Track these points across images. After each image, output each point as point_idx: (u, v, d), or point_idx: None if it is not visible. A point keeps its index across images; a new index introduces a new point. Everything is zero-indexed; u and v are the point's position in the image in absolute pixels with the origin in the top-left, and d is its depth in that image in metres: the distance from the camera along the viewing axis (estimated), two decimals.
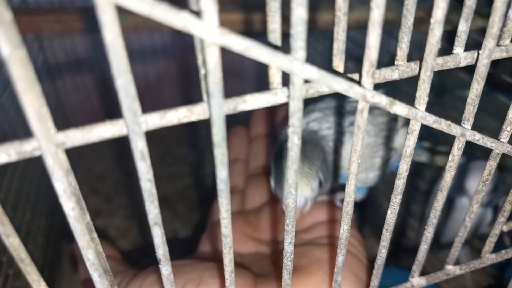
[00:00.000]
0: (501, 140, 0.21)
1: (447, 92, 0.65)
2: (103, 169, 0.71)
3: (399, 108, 0.17)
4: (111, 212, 0.63)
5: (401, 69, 0.18)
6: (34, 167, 0.52)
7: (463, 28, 0.18)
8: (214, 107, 0.14)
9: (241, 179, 0.42)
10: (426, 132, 0.46)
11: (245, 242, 0.34)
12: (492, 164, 0.22)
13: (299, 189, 0.31)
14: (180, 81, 0.84)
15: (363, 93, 0.16)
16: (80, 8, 0.56)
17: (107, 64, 0.13)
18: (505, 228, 0.30)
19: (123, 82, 0.13)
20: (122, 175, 0.70)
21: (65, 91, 0.78)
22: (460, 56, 0.19)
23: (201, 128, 0.78)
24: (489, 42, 0.17)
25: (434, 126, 0.18)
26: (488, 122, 0.54)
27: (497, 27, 0.17)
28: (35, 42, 0.69)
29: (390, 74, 0.18)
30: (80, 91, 0.79)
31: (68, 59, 0.76)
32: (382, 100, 0.16)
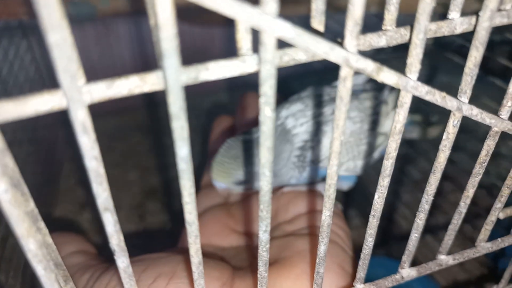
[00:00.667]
0: (500, 116, 0.19)
1: (437, 77, 0.63)
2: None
3: (387, 76, 0.15)
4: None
5: (389, 35, 0.16)
6: None
7: None
8: (169, 70, 0.12)
9: None
10: (416, 107, 0.44)
11: (227, 235, 0.33)
12: (490, 144, 0.20)
13: (219, 177, 0.35)
14: None
15: (346, 56, 0.14)
16: None
17: None
18: (502, 216, 0.28)
19: (57, 38, 0.11)
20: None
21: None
22: (456, 22, 0.16)
23: (191, 118, 0.76)
24: (490, 2, 0.15)
25: (427, 98, 0.16)
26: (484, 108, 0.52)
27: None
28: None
29: (377, 40, 0.15)
30: None
31: None
32: (368, 65, 0.14)
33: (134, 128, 0.77)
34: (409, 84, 0.15)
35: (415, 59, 0.15)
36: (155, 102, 0.81)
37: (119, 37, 0.78)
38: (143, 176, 0.68)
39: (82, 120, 0.12)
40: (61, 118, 0.59)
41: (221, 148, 0.35)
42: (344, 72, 0.14)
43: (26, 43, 0.69)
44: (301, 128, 0.36)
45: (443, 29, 0.16)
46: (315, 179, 0.38)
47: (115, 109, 0.80)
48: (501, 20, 0.17)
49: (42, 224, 0.16)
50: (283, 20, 0.12)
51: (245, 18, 0.12)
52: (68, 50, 0.11)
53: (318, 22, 0.15)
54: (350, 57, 0.14)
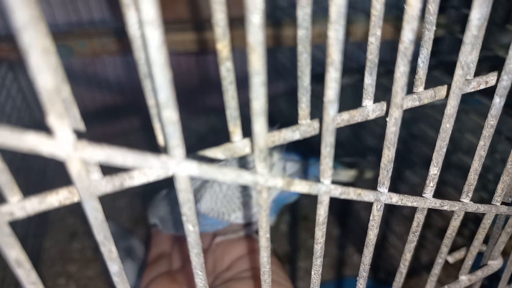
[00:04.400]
0: (424, 195, 0.21)
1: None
2: None
3: (299, 187, 0.16)
4: None
5: (302, 129, 0.17)
6: None
7: (369, 81, 0.18)
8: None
9: (168, 244, 0.45)
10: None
11: None
12: (419, 217, 0.21)
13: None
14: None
15: (255, 179, 0.15)
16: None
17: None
18: (451, 260, 0.29)
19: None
20: None
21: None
22: (368, 109, 0.18)
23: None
24: (393, 112, 0.17)
25: (342, 197, 0.17)
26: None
27: (400, 95, 0.16)
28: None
29: (291, 135, 0.17)
30: None
31: None
32: (278, 182, 0.16)
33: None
34: (322, 189, 0.17)
35: (326, 166, 0.17)
36: (145, 125, 0.83)
37: (104, 63, 0.79)
38: (132, 203, 0.70)
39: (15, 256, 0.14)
40: None
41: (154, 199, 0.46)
42: (258, 188, 0.16)
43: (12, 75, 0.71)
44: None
45: (356, 117, 0.18)
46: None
47: (105, 133, 0.81)
48: (412, 103, 0.19)
49: None
50: (190, 161, 0.14)
51: (150, 165, 0.13)
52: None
53: (233, 125, 0.16)
54: (258, 179, 0.15)
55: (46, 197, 0.14)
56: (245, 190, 0.42)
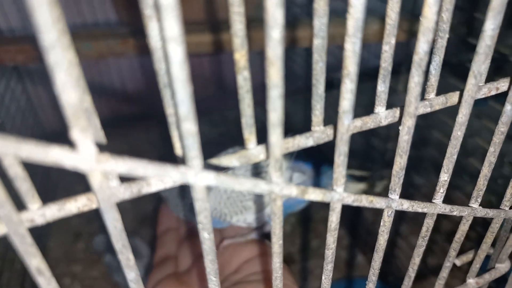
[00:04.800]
0: (434, 201, 0.21)
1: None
2: None
3: (313, 195, 0.16)
4: None
5: (316, 136, 0.17)
6: None
7: (382, 88, 0.18)
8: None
9: (174, 246, 0.46)
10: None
11: None
12: (429, 222, 0.22)
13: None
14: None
15: (270, 188, 0.15)
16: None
17: None
18: (458, 263, 0.30)
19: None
20: None
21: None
22: (381, 116, 0.18)
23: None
24: (407, 121, 0.17)
25: (355, 204, 0.18)
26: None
27: (414, 105, 0.16)
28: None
29: (305, 142, 0.17)
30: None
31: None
32: (292, 191, 0.16)
33: (126, 152, 0.79)
34: (335, 197, 0.17)
35: (339, 175, 0.17)
36: (149, 125, 0.83)
37: (108, 64, 0.80)
38: (136, 203, 0.70)
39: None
40: None
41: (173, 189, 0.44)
42: (273, 196, 0.16)
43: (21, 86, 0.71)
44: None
45: (368, 124, 0.18)
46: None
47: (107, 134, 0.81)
48: (424, 110, 0.19)
49: None
50: (208, 172, 0.14)
51: (171, 176, 0.14)
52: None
53: (248, 133, 0.17)
54: (274, 188, 0.15)
55: (65, 204, 0.15)
56: (249, 194, 0.42)
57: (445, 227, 0.57)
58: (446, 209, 0.21)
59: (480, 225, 0.52)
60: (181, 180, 0.14)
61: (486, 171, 0.22)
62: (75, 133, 0.12)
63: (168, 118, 0.15)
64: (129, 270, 0.16)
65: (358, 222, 0.66)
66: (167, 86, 0.14)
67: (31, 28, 0.63)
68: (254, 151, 0.17)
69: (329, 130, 0.17)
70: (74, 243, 0.64)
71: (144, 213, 0.68)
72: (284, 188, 0.16)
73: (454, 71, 0.55)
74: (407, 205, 0.19)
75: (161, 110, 0.17)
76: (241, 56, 0.15)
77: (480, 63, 0.17)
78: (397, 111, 0.18)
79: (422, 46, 0.15)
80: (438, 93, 0.19)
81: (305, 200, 0.45)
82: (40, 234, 0.62)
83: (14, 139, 0.11)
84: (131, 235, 0.62)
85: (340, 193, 0.17)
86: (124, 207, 0.69)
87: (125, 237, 0.15)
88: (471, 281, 0.28)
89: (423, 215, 0.22)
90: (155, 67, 0.14)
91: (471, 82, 0.17)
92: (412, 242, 0.58)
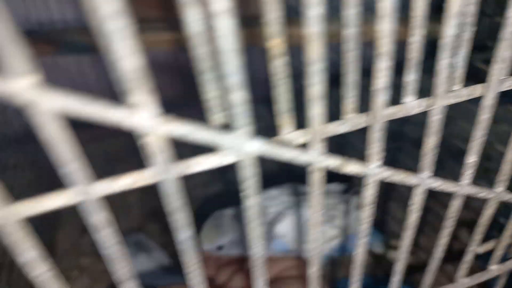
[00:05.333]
0: (461, 183, 0.22)
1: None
2: None
3: (352, 168, 0.18)
4: None
5: (351, 122, 0.19)
6: None
7: (411, 78, 0.19)
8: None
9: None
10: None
11: None
12: (456, 203, 0.23)
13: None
14: None
15: (311, 160, 0.17)
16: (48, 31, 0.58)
17: None
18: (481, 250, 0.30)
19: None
20: None
21: None
22: (411, 105, 0.19)
23: None
24: (438, 101, 0.18)
25: (389, 179, 0.19)
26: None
27: (444, 85, 0.18)
28: None
29: (341, 128, 0.18)
30: None
31: None
32: (332, 162, 0.17)
33: (133, 149, 0.81)
34: (373, 171, 0.18)
35: (374, 151, 0.18)
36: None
37: None
38: (142, 198, 0.71)
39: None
40: None
41: (209, 219, 0.52)
42: (311, 168, 0.17)
43: None
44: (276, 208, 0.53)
45: (399, 112, 0.19)
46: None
47: (113, 131, 0.83)
48: (452, 100, 0.20)
49: None
50: (255, 140, 0.15)
51: (224, 143, 0.15)
52: None
53: (287, 117, 0.18)
54: (314, 160, 0.17)
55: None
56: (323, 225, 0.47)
57: (462, 215, 0.58)
58: (473, 190, 0.22)
59: (498, 214, 0.52)
60: (233, 146, 0.15)
61: (511, 156, 0.23)
62: (136, 96, 0.13)
63: (206, 103, 0.17)
64: (182, 230, 0.17)
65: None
66: (207, 71, 0.16)
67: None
68: (292, 134, 0.18)
69: (363, 117, 0.19)
70: (82, 237, 0.65)
71: (149, 209, 0.69)
72: (323, 161, 0.17)
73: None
74: (437, 184, 0.21)
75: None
76: (278, 43, 0.16)
77: (504, 50, 0.18)
78: (425, 101, 0.20)
79: (448, 30, 0.16)
80: None
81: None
82: (48, 227, 0.63)
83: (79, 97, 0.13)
84: (138, 230, 0.63)
85: (377, 168, 0.18)
86: (130, 203, 0.70)
87: (181, 198, 0.16)
88: (493, 267, 0.29)
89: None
90: (192, 55, 0.15)
91: (496, 66, 0.19)
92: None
